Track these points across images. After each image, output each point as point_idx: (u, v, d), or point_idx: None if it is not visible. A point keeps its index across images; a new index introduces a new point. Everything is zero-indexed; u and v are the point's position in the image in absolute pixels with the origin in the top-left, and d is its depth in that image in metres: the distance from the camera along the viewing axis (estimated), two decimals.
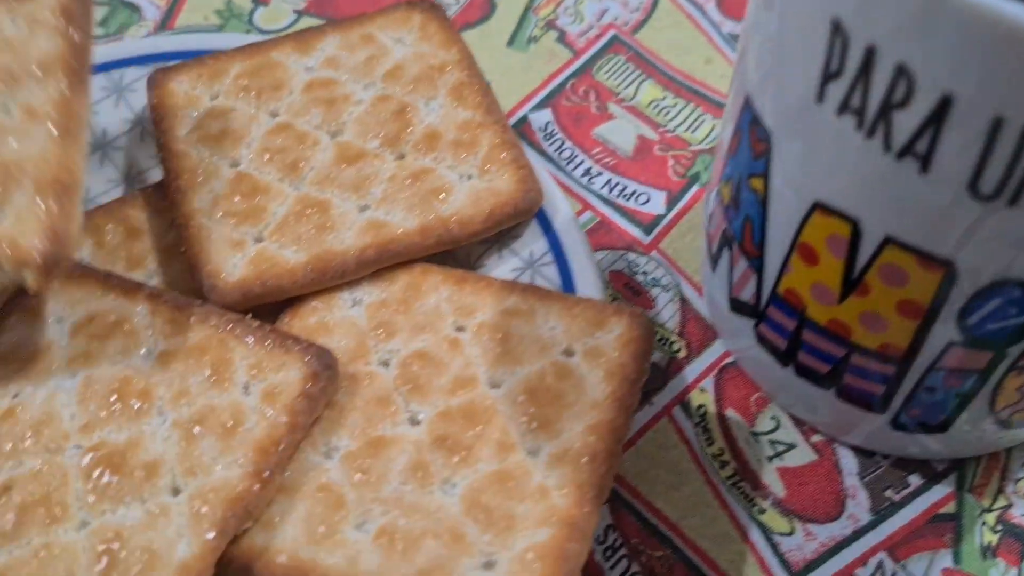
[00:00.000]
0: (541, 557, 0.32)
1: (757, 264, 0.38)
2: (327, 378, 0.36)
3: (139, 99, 0.46)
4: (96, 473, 0.34)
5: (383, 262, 0.40)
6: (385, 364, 0.38)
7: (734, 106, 0.37)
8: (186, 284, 0.41)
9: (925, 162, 0.29)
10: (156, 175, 0.45)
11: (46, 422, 0.36)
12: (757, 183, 0.36)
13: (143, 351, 0.37)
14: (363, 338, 0.38)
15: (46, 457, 0.35)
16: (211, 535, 0.33)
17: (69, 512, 0.34)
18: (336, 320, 0.39)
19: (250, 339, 0.37)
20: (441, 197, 0.41)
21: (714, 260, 0.42)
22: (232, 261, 0.39)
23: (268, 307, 0.40)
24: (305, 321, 0.39)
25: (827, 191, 0.33)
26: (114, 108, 0.46)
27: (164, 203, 0.43)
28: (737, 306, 0.41)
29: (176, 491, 0.34)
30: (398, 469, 0.35)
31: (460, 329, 0.38)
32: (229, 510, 0.33)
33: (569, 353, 0.37)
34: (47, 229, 0.32)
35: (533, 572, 0.32)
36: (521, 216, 0.41)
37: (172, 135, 0.42)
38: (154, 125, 0.43)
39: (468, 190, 0.41)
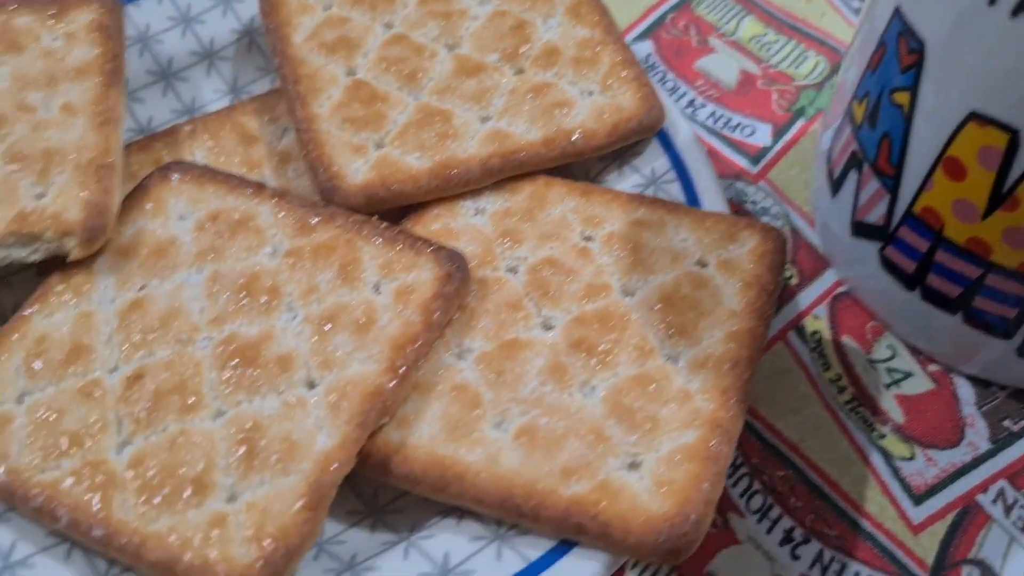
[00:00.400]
0: (689, 458, 0.32)
1: (891, 183, 0.37)
2: (460, 279, 0.35)
3: (246, 9, 0.45)
4: (229, 364, 0.34)
5: (507, 172, 0.39)
6: (513, 271, 0.37)
7: (877, 22, 0.37)
8: (303, 187, 0.40)
9: None
10: (261, 86, 0.45)
11: (174, 315, 0.35)
12: (902, 97, 0.36)
13: (269, 249, 0.36)
14: (489, 245, 0.38)
15: (177, 348, 0.34)
16: (351, 427, 0.32)
17: (204, 401, 0.33)
18: (460, 227, 0.38)
19: (379, 240, 0.36)
20: (564, 111, 0.40)
21: (836, 185, 0.41)
22: (354, 165, 0.39)
23: (388, 214, 0.39)
24: (428, 227, 0.39)
25: (986, 100, 0.33)
26: (221, 18, 0.45)
27: (276, 112, 0.42)
28: (861, 230, 0.40)
29: (311, 384, 0.33)
30: (535, 371, 0.34)
31: (588, 239, 0.38)
32: (367, 403, 0.32)
33: (702, 264, 0.37)
34: (87, 204, 0.36)
35: (682, 472, 0.31)
36: (645, 132, 0.40)
37: (288, 42, 0.42)
38: (268, 32, 0.42)
39: (591, 105, 0.40)
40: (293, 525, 0.30)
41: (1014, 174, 0.33)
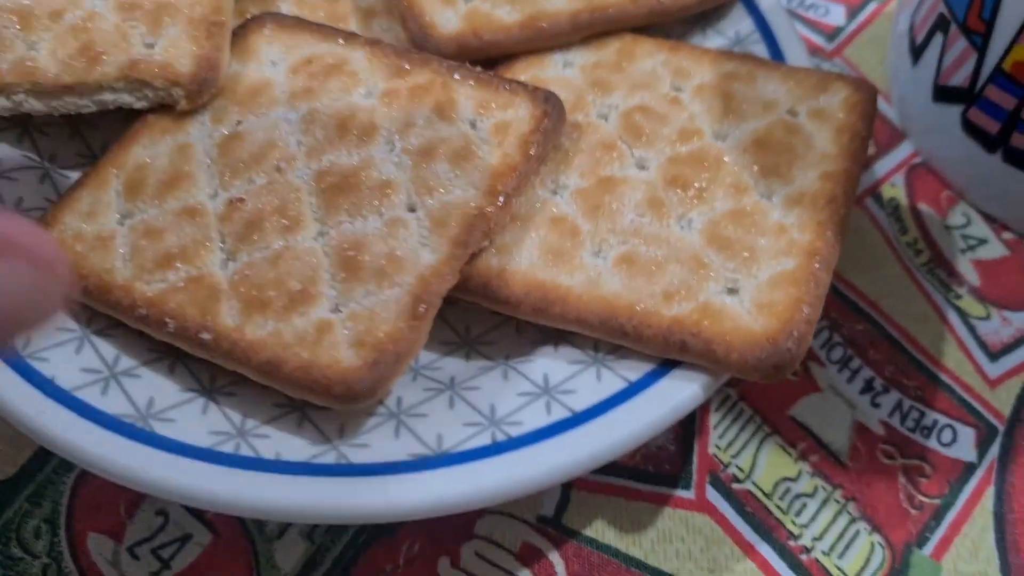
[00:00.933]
0: (790, 282, 0.32)
1: (980, 40, 0.38)
2: (556, 116, 0.36)
3: None
4: (329, 189, 0.34)
5: (595, 27, 0.40)
6: (604, 117, 0.37)
7: None
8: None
9: None
10: None
11: (272, 147, 0.36)
12: None
13: (363, 90, 0.37)
14: (580, 93, 0.38)
15: (275, 176, 0.35)
16: (453, 246, 0.33)
17: (305, 222, 0.34)
18: (549, 77, 0.39)
19: (472, 82, 0.37)
20: None
21: (918, 53, 0.42)
22: (446, 15, 0.39)
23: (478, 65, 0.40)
24: (517, 76, 0.39)
25: None
26: None
27: None
28: (944, 94, 0.40)
29: (412, 208, 0.34)
30: (632, 204, 0.35)
31: (678, 89, 0.38)
32: (469, 224, 0.33)
33: (793, 113, 0.37)
34: (197, 56, 0.36)
35: (782, 294, 0.32)
36: None
37: None
38: None
39: None
40: (398, 332, 0.31)
41: None
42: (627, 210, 0.35)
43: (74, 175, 0.38)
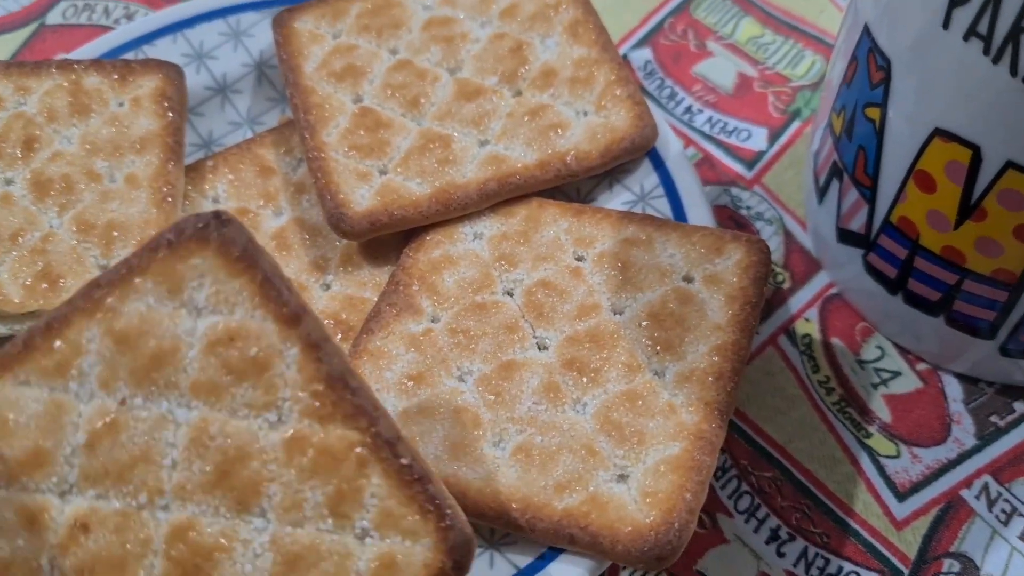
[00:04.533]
0: (674, 469, 0.35)
1: (869, 193, 0.40)
2: None
3: (256, 44, 0.48)
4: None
5: (503, 195, 0.42)
6: (510, 293, 0.40)
7: (850, 36, 0.39)
8: (315, 218, 0.43)
9: None
10: (274, 117, 0.48)
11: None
12: (873, 112, 0.38)
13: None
14: (487, 269, 0.41)
15: None
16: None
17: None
18: (459, 252, 0.41)
19: None
20: (559, 132, 0.43)
21: (821, 192, 0.44)
22: (360, 192, 0.42)
23: (390, 239, 0.43)
24: (430, 254, 0.42)
25: (948, 118, 0.35)
26: (233, 52, 0.48)
27: (291, 143, 0.45)
28: (845, 237, 0.42)
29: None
30: (530, 390, 0.37)
31: (580, 259, 0.40)
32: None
33: (688, 279, 0.39)
34: None
35: (666, 483, 0.34)
36: (637, 152, 0.43)
37: (299, 72, 0.45)
38: (280, 63, 0.45)
39: (585, 126, 0.43)
40: None
41: (979, 187, 0.35)
42: (525, 397, 0.37)
43: None
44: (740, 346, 0.37)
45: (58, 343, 0.31)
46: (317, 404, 0.30)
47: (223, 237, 0.31)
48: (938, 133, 0.35)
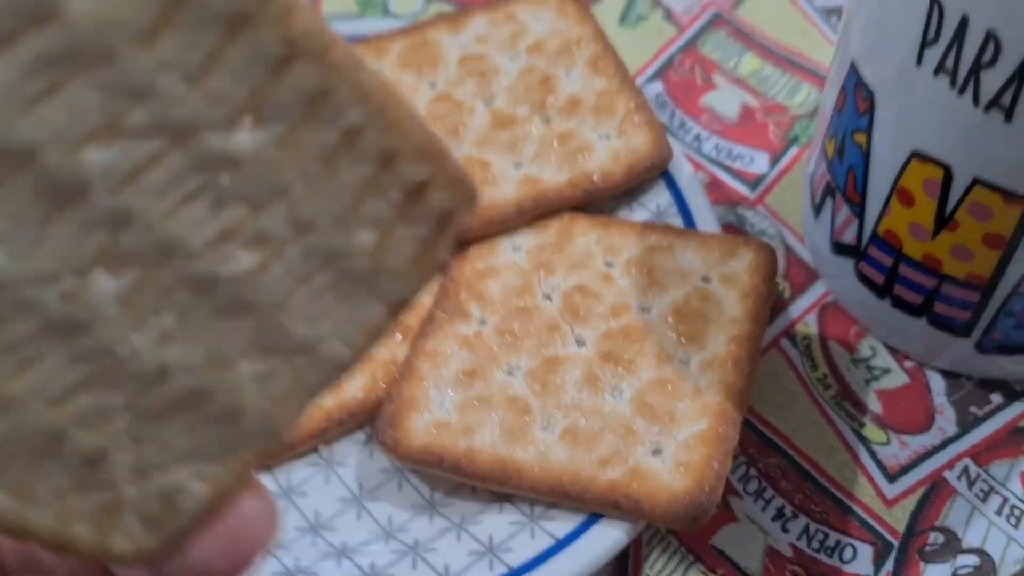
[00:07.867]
0: (702, 442, 0.42)
1: (858, 209, 0.47)
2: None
3: None
4: None
5: (538, 211, 0.50)
6: (549, 298, 0.47)
7: (839, 72, 0.47)
8: None
9: (1009, 113, 0.39)
10: None
11: None
12: (861, 137, 0.46)
13: None
14: (527, 277, 0.48)
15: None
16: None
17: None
18: (501, 263, 0.49)
19: None
20: (585, 155, 0.50)
21: (817, 209, 0.51)
22: None
23: None
24: (474, 265, 0.49)
25: (923, 141, 0.43)
26: None
27: None
28: (839, 248, 0.50)
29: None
30: (573, 380, 0.44)
31: (610, 265, 0.48)
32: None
33: (707, 280, 0.47)
34: None
35: (696, 455, 0.42)
36: (655, 171, 0.51)
37: None
38: None
39: (609, 149, 0.51)
40: None
41: (952, 201, 0.43)
42: (569, 386, 0.44)
43: None
44: (755, 335, 0.45)
45: None
46: None
47: None
48: (915, 155, 0.43)
